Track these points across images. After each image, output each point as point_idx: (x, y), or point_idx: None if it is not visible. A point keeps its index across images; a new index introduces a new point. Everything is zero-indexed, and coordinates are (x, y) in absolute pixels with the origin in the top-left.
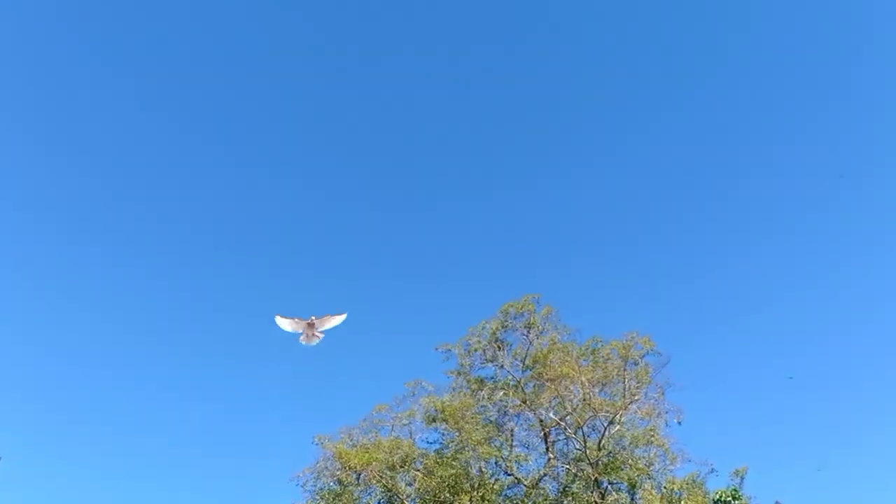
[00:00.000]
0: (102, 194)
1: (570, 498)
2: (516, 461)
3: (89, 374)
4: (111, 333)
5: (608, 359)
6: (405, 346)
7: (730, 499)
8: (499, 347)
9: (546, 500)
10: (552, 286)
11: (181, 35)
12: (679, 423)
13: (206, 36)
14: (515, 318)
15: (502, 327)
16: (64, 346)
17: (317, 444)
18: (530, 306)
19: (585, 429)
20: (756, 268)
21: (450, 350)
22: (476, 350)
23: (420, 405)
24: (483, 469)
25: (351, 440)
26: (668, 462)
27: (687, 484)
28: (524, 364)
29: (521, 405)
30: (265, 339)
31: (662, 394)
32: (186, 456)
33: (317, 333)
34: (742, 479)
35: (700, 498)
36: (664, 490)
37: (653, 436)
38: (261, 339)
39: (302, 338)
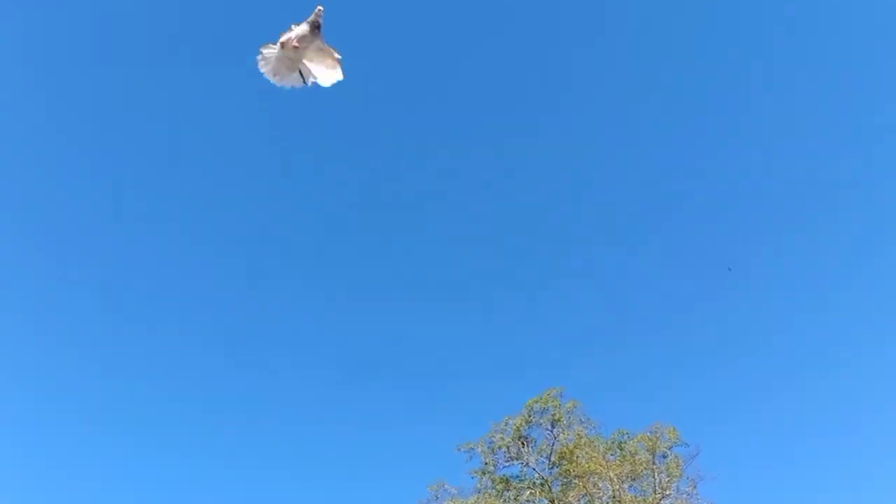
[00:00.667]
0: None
1: None
2: None
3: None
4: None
5: (636, 452)
6: (426, 444)
7: None
8: (523, 444)
9: None
10: (571, 377)
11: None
12: None
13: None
14: (540, 413)
15: (526, 423)
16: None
17: None
18: (555, 402)
19: None
20: (782, 351)
21: (472, 449)
22: (500, 447)
23: None
24: None
25: None
26: None
27: None
28: (550, 461)
29: None
30: (273, 440)
31: (695, 487)
32: None
33: (310, 69)
34: None
35: None
36: None
37: None
38: (268, 440)
39: (265, 66)
